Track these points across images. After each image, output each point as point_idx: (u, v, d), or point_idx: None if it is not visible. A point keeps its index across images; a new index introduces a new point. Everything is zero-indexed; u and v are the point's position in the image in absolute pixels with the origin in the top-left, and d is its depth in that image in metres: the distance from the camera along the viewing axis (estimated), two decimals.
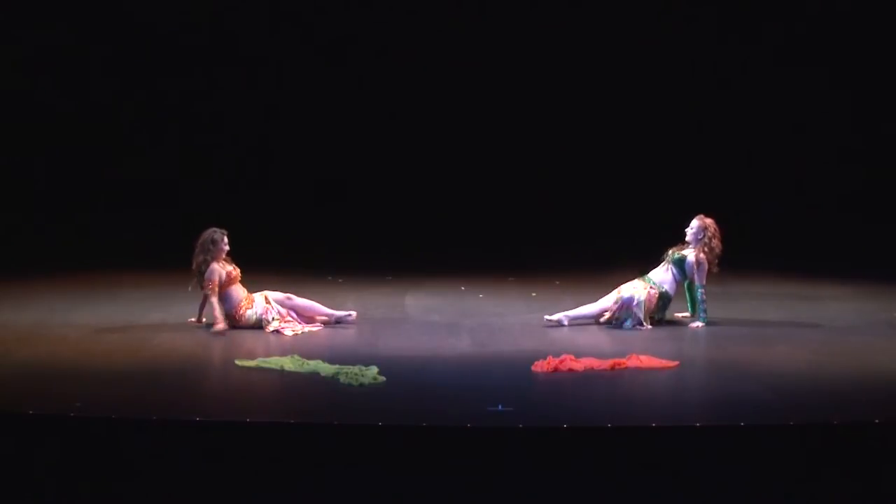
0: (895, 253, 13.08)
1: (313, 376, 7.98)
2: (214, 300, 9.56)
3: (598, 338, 9.45)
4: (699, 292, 9.79)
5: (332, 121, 15.10)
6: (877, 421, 6.76)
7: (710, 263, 9.83)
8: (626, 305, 9.69)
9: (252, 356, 8.51)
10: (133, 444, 6.69)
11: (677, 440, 6.64)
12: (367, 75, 15.07)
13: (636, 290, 9.75)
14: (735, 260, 12.79)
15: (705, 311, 9.77)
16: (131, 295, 11.30)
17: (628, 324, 9.67)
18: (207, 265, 9.59)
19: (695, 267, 9.78)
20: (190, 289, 9.77)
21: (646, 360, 8.36)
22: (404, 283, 12.21)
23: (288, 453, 6.62)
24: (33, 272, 12.66)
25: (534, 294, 11.56)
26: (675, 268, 9.86)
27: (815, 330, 9.74)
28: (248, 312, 9.64)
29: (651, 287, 9.77)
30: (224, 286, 9.62)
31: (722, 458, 6.60)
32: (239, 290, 9.71)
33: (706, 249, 9.82)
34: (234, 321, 9.61)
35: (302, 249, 13.29)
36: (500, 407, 7.02)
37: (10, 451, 6.73)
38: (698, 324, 9.74)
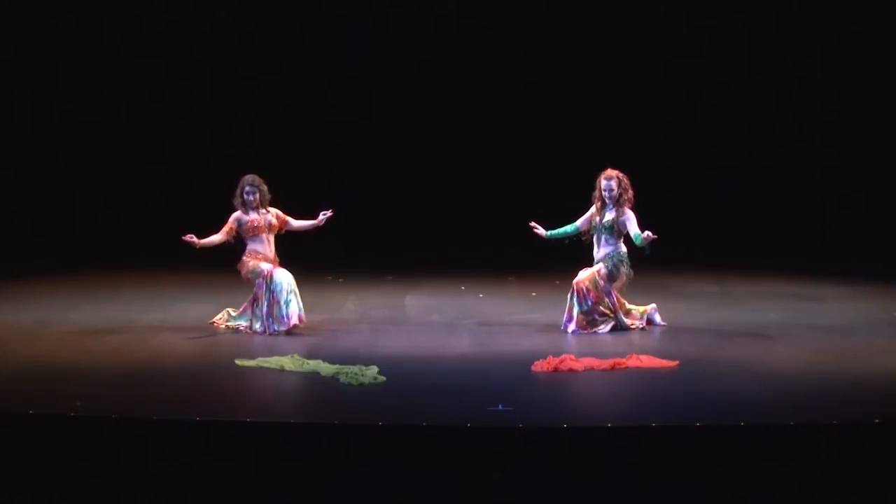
0: (895, 252, 13.09)
1: (313, 376, 7.98)
2: (214, 237, 9.56)
3: (598, 338, 9.44)
4: (639, 238, 9.40)
5: (331, 120, 15.10)
6: (877, 421, 6.76)
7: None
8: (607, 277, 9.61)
9: (252, 356, 8.51)
10: (133, 444, 6.69)
11: (677, 440, 6.64)
12: (366, 74, 15.06)
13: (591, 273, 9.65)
14: (735, 260, 12.80)
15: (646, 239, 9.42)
16: (131, 295, 11.30)
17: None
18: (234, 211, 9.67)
19: (627, 222, 9.54)
20: None
21: (646, 360, 8.37)
22: (404, 283, 12.21)
23: (288, 453, 6.62)
24: (33, 272, 12.67)
25: (534, 294, 11.56)
26: (608, 234, 9.66)
27: (815, 330, 9.73)
28: (252, 264, 9.59)
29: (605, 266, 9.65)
30: (247, 233, 9.63)
31: (722, 458, 6.60)
32: (264, 243, 9.67)
33: (627, 199, 9.61)
34: (244, 264, 9.63)
35: (301, 249, 13.28)
36: (500, 407, 7.02)
37: (10, 451, 6.73)
38: (648, 233, 9.36)
